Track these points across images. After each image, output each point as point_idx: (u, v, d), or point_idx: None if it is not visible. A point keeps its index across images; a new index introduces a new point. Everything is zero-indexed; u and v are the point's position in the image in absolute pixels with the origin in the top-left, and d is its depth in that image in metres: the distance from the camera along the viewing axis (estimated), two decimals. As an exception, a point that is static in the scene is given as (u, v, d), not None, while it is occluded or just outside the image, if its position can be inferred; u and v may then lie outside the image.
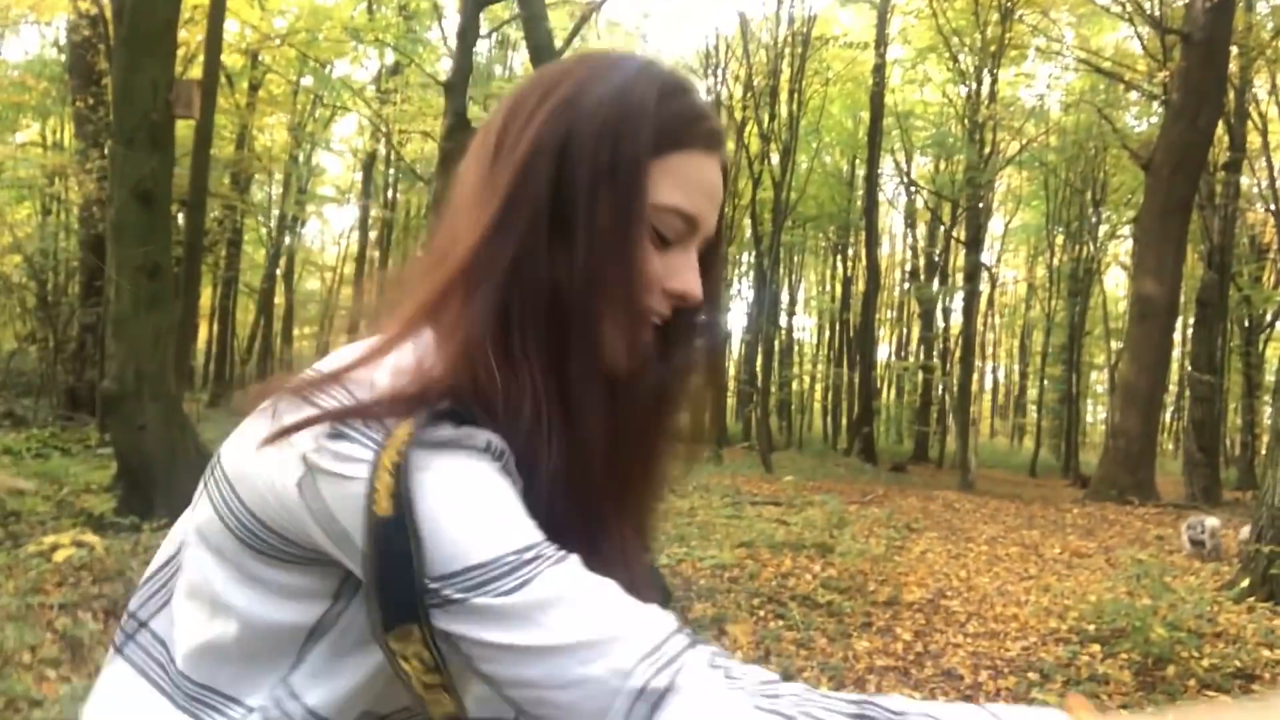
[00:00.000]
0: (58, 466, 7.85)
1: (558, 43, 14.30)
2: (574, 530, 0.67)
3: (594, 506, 0.74)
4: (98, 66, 12.94)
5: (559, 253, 0.71)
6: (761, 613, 5.77)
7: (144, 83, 6.93)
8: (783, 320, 29.14)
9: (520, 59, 24.65)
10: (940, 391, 25.71)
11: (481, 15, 11.59)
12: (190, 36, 14.48)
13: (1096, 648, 5.32)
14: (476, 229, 0.72)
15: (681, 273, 0.75)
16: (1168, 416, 30.55)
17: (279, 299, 25.27)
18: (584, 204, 0.71)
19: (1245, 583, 6.61)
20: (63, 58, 16.18)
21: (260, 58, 19.17)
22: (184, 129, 11.12)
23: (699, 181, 0.75)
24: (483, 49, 19.99)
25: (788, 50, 21.37)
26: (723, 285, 0.83)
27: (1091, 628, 5.69)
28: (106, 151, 9.68)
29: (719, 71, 23.53)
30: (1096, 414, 35.99)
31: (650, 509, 0.86)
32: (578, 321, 0.72)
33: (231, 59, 17.15)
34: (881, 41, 22.40)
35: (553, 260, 0.71)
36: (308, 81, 20.99)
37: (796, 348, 34.18)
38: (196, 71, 11.15)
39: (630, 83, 0.74)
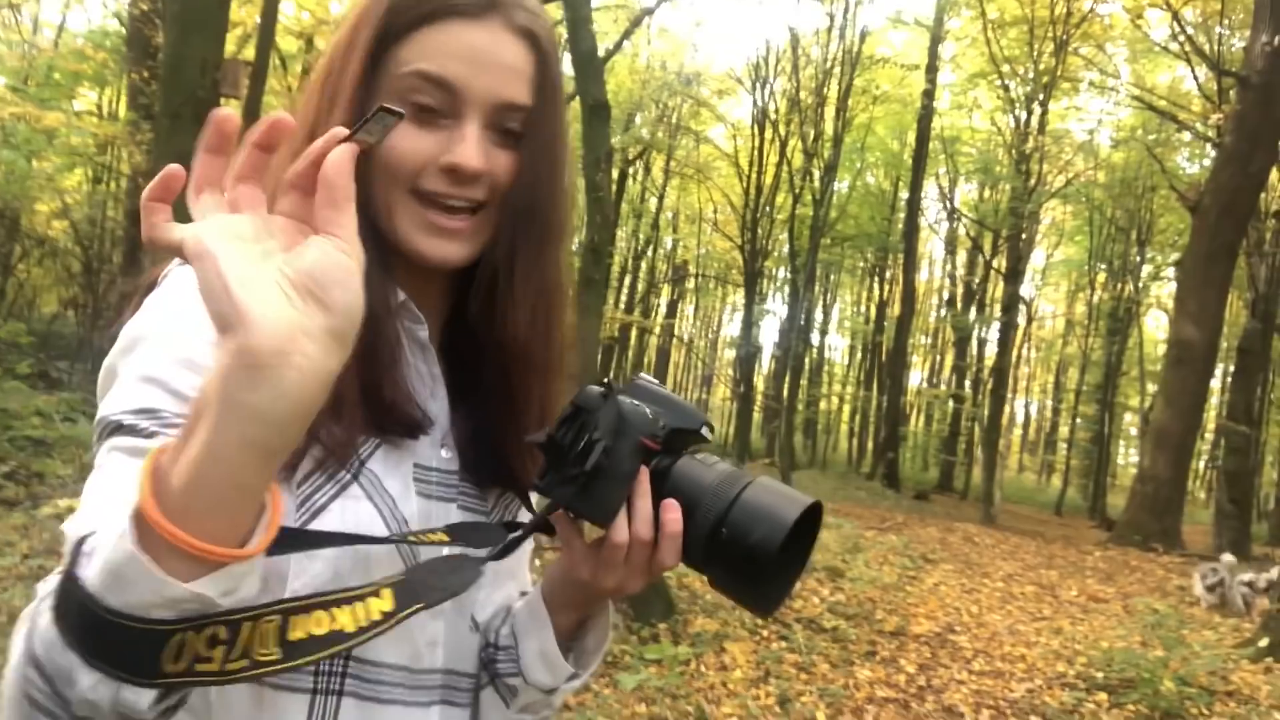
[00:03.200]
0: (84, 431, 7.95)
1: (606, 46, 14.33)
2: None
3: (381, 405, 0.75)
4: (154, 41, 13.15)
5: None
6: (764, 633, 5.72)
7: (193, 59, 7.02)
8: (814, 339, 28.97)
9: (565, 64, 24.73)
10: (970, 422, 25.40)
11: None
12: (247, 17, 14.70)
13: (1103, 696, 5.22)
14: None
15: (454, 146, 0.74)
16: (1200, 464, 29.99)
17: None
18: (321, 92, 0.78)
19: (1264, 642, 6.45)
20: (123, 30, 16.47)
21: (316, 42, 19.41)
22: (234, 108, 11.30)
23: (456, 47, 0.74)
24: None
25: (837, 67, 21.28)
26: (546, 169, 0.78)
27: (1100, 675, 5.58)
28: (155, 125, 9.83)
29: (766, 85, 23.50)
30: (1128, 456, 35.41)
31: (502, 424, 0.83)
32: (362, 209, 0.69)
33: (287, 42, 17.37)
34: (932, 65, 22.24)
35: None
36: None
37: (827, 367, 33.97)
38: (252, 52, 11.30)
39: None
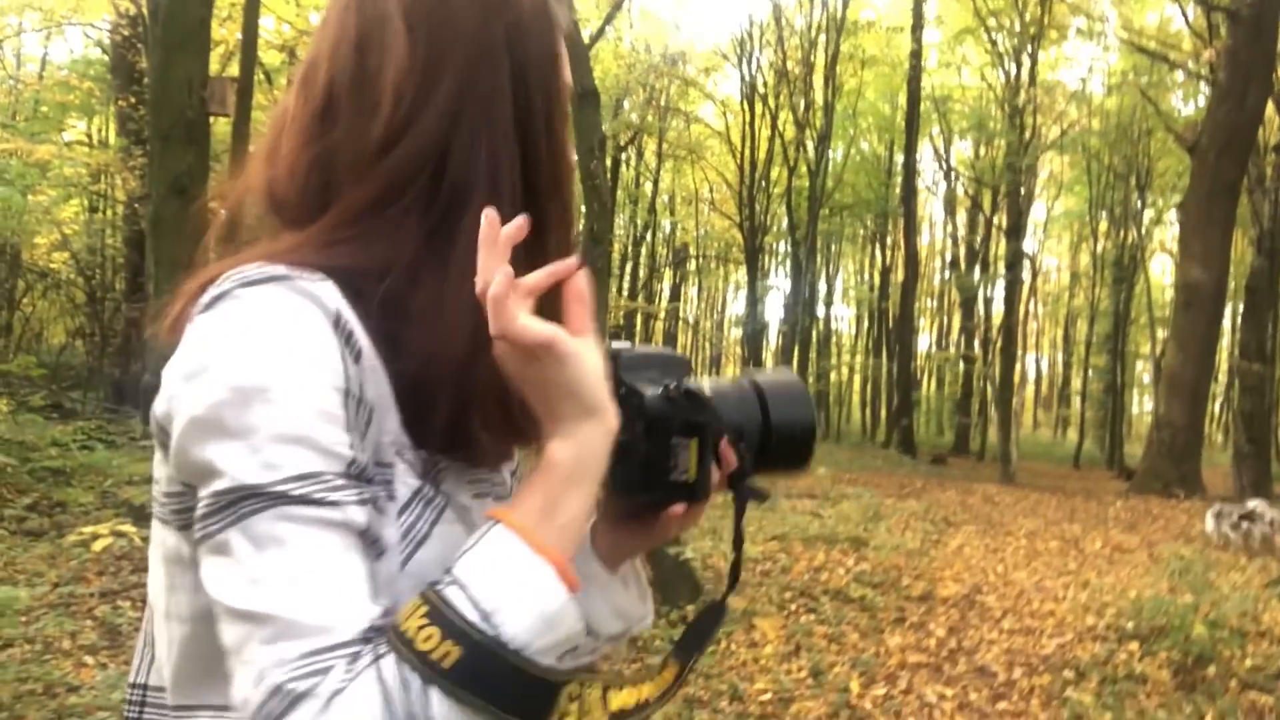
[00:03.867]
0: (102, 459, 8.00)
1: (589, 33, 14.25)
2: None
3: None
4: (139, 66, 13.16)
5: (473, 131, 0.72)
6: (793, 607, 5.74)
7: (179, 80, 7.03)
8: (820, 310, 28.93)
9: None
10: (982, 382, 25.37)
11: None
12: (228, 34, 14.68)
13: (1135, 645, 5.21)
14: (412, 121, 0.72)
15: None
16: (1216, 407, 29.91)
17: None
18: (537, 89, 0.75)
19: (1293, 579, 6.45)
20: (106, 58, 16.48)
21: (298, 53, 19.37)
22: (224, 125, 11.29)
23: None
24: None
25: (822, 36, 21.16)
26: None
27: (1130, 625, 5.58)
28: (147, 149, 9.85)
29: (753, 59, 23.39)
30: (1142, 405, 35.35)
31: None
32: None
33: (269, 56, 17.34)
34: (918, 25, 22.09)
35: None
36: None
37: (834, 338, 33.95)
38: (235, 69, 11.29)
39: None
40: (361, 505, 0.62)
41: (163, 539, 0.69)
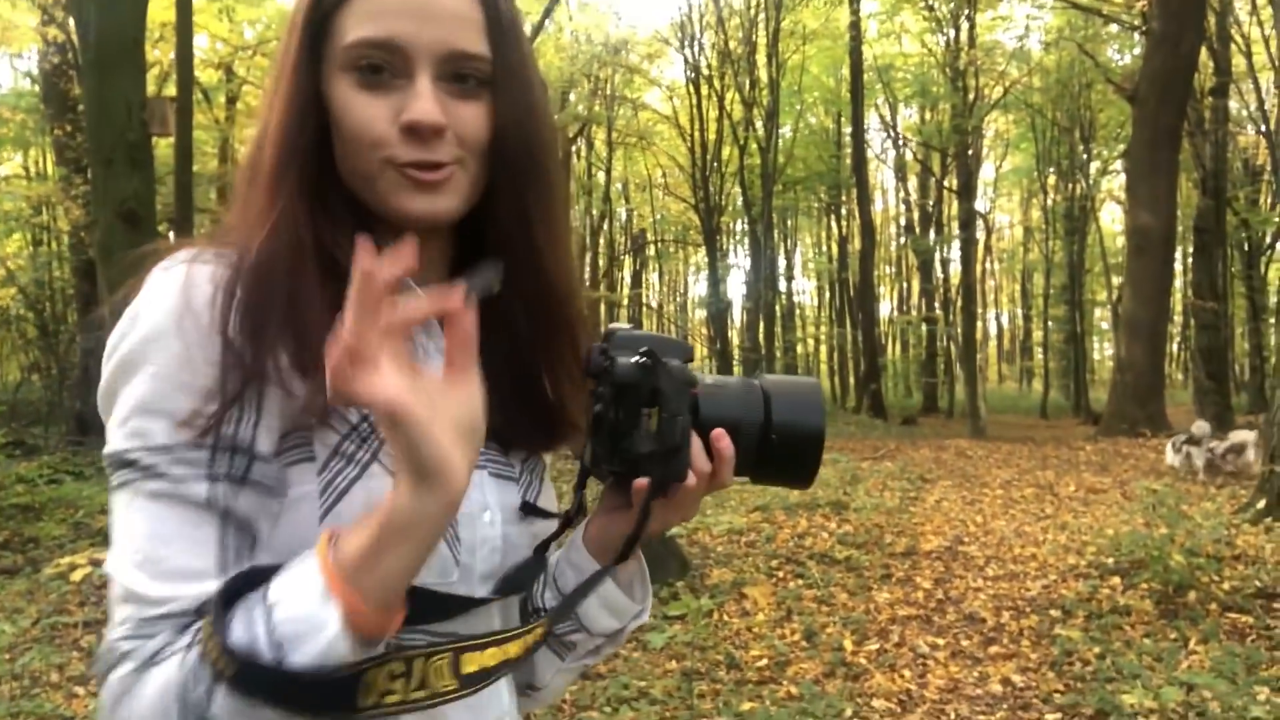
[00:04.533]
0: (71, 490, 7.87)
1: (529, 27, 14.17)
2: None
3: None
4: (72, 93, 12.89)
5: (304, 121, 0.74)
6: (780, 574, 5.79)
7: (116, 103, 6.90)
8: (781, 285, 29.07)
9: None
10: (945, 342, 25.68)
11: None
12: (162, 55, 14.43)
13: (1117, 580, 5.34)
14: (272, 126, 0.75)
15: (409, 104, 0.71)
16: (1174, 347, 30.49)
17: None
18: (277, 75, 0.76)
19: (1262, 504, 6.61)
20: (37, 88, 16.12)
21: (234, 70, 19.07)
22: (165, 147, 11.09)
23: (395, 5, 0.71)
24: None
25: (761, 15, 21.21)
26: (525, 112, 0.77)
27: (1110, 561, 5.70)
28: (89, 176, 9.67)
29: (695, 42, 23.39)
30: (1103, 351, 35.97)
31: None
32: (336, 183, 0.74)
33: (206, 74, 17.06)
34: (855, -4, 22.20)
35: (302, 131, 0.73)
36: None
37: (798, 311, 34.12)
38: (172, 90, 11.10)
39: None
40: (213, 481, 0.65)
41: None
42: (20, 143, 18.21)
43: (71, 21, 10.55)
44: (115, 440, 0.66)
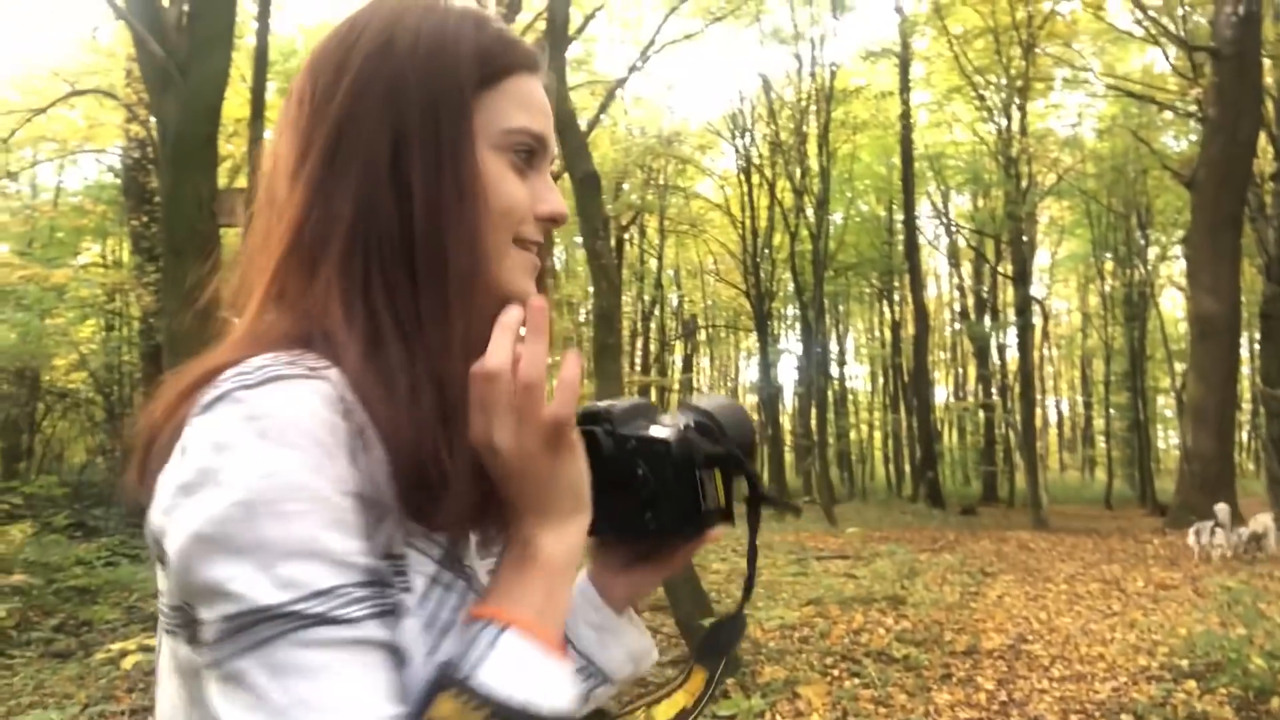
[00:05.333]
0: (127, 573, 7.98)
1: (585, 121, 14.59)
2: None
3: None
4: (149, 186, 13.52)
5: (405, 198, 0.68)
6: (835, 672, 5.60)
7: (189, 197, 7.19)
8: (834, 370, 28.89)
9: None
10: (1004, 429, 25.13)
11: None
12: (236, 149, 15.11)
13: (1192, 684, 5.05)
14: (301, 196, 0.69)
15: (547, 195, 0.75)
16: (1244, 435, 29.48)
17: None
18: (423, 143, 0.69)
19: (1346, 604, 6.27)
20: (118, 181, 16.94)
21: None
22: (234, 237, 11.54)
23: (536, 101, 0.74)
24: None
25: (812, 105, 21.59)
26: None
27: (1185, 663, 5.42)
28: (160, 265, 10.07)
29: (746, 133, 23.85)
30: (1168, 439, 34.88)
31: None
32: (456, 263, 0.68)
33: (275, 166, 17.76)
34: (905, 88, 22.54)
35: (400, 208, 0.68)
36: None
37: (850, 397, 33.81)
38: (244, 182, 11.59)
39: (443, 19, 0.72)
40: (382, 617, 0.59)
41: (173, 650, 0.64)
42: (100, 233, 19.09)
43: (153, 119, 11.13)
44: (257, 593, 0.55)
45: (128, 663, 4.60)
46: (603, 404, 0.78)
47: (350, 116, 0.69)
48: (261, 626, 0.55)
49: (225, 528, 0.56)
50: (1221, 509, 9.85)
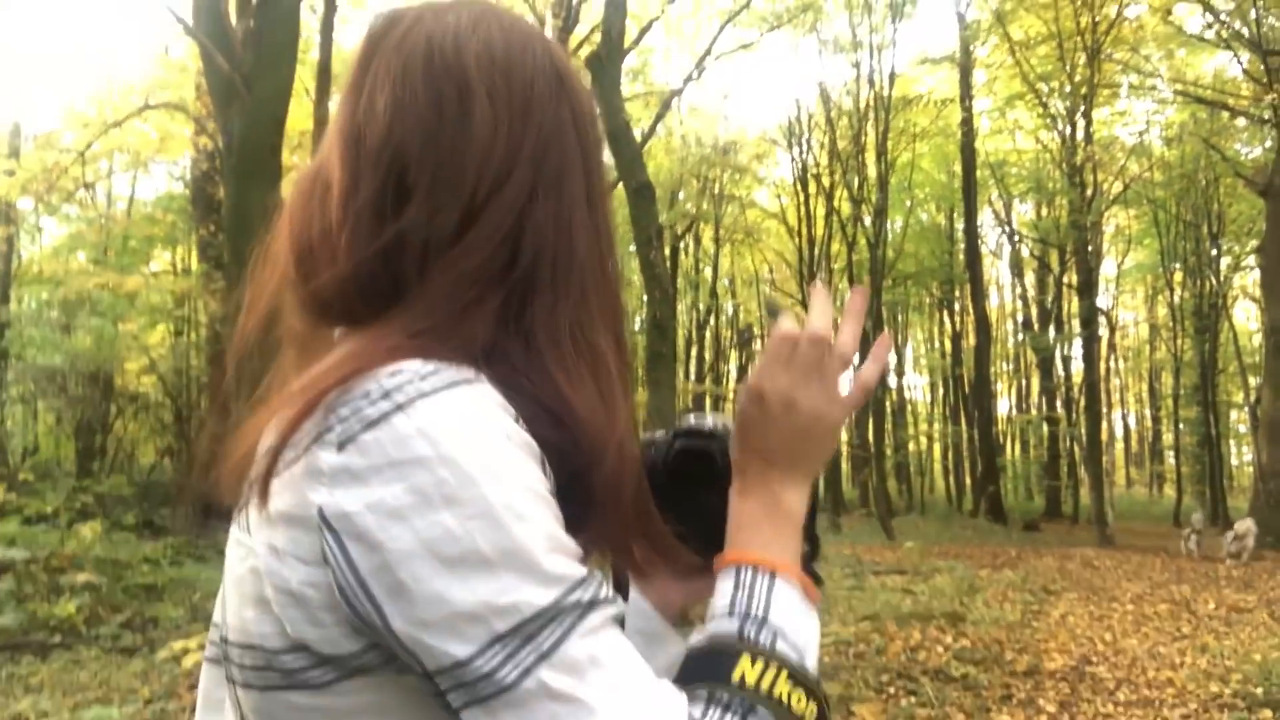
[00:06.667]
0: (191, 573, 8.17)
1: (640, 131, 14.65)
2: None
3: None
4: (217, 196, 13.89)
5: (563, 217, 0.67)
6: (891, 690, 5.49)
7: (254, 205, 7.38)
8: (892, 380, 28.50)
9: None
10: (1068, 443, 24.54)
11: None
12: (300, 159, 15.47)
13: (1268, 714, 4.86)
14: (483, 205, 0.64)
15: None
16: (1323, 453, 28.33)
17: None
18: (585, 167, 0.69)
19: None
20: (187, 191, 17.46)
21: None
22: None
23: None
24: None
25: (871, 113, 21.39)
26: None
27: (1259, 690, 5.21)
28: (226, 273, 10.34)
29: (803, 142, 23.71)
30: (1241, 456, 33.72)
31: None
32: (610, 281, 0.70)
33: (338, 176, 18.15)
34: (966, 95, 22.21)
35: (557, 226, 0.66)
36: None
37: (909, 408, 33.31)
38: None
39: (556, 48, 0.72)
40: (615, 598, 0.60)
41: (257, 706, 0.59)
42: (169, 241, 19.70)
43: (220, 131, 11.45)
44: (531, 597, 0.54)
45: (188, 661, 4.70)
46: (707, 422, 0.82)
47: (536, 142, 0.67)
48: (545, 631, 0.53)
49: (471, 542, 0.53)
50: (1197, 517, 11.33)
